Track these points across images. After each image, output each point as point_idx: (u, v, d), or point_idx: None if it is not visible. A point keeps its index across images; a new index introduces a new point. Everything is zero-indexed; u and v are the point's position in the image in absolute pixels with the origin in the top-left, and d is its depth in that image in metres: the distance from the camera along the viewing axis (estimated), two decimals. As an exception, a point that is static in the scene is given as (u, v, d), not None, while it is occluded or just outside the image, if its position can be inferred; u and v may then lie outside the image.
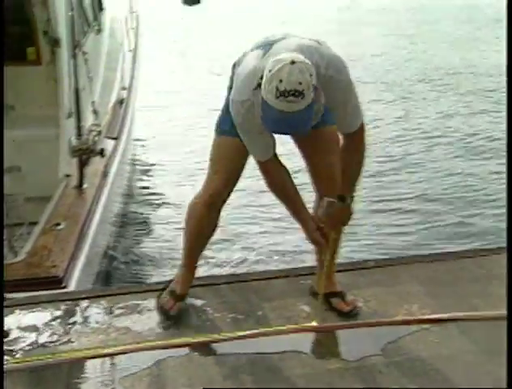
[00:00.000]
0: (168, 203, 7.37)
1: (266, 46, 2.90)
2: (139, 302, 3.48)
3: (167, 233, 6.52)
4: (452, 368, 2.95)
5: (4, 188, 4.69)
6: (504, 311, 3.28)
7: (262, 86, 2.64)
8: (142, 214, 7.24)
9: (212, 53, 15.78)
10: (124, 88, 7.73)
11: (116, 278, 5.52)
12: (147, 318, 3.34)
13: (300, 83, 2.56)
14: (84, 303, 3.49)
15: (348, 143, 3.01)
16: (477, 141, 9.57)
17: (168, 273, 5.56)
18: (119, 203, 6.53)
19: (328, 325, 3.25)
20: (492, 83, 13.15)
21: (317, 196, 3.29)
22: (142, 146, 9.48)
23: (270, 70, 2.60)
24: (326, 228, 3.12)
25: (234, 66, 3.14)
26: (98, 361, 3.00)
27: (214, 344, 3.12)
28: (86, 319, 3.35)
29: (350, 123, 2.95)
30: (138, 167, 8.58)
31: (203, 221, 3.31)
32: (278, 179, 3.03)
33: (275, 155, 3.00)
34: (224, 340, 3.14)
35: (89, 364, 2.98)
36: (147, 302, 3.48)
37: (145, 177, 8.36)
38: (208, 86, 12.46)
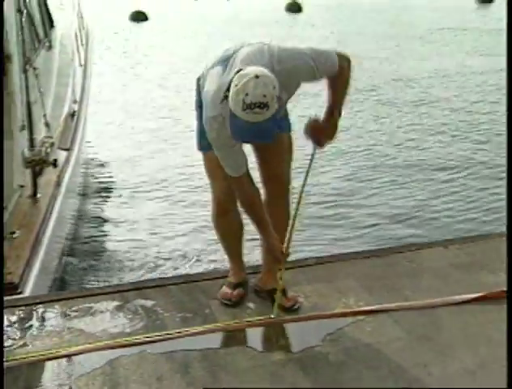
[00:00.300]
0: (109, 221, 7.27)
1: (224, 62, 2.98)
2: (92, 305, 3.45)
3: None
4: (386, 353, 3.00)
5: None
6: (431, 300, 3.39)
7: (230, 98, 2.73)
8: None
9: (161, 67, 15.67)
10: (75, 101, 7.64)
11: (70, 282, 5.47)
12: (99, 320, 3.31)
13: (265, 96, 2.65)
14: (39, 308, 3.44)
15: (336, 76, 3.09)
16: (408, 151, 9.63)
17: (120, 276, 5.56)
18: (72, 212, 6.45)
19: (271, 320, 3.26)
20: (424, 93, 13.37)
21: (266, 197, 3.33)
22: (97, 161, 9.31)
23: (236, 85, 2.69)
24: (314, 143, 3.24)
25: (199, 79, 3.20)
26: (53, 362, 2.95)
27: (164, 342, 3.10)
28: (41, 323, 3.30)
29: (329, 70, 3.04)
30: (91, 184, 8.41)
31: (224, 227, 3.46)
32: (248, 195, 3.12)
33: (248, 173, 3.08)
34: (174, 338, 3.13)
35: (44, 366, 2.94)
36: (100, 305, 3.45)
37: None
38: (160, 100, 12.31)
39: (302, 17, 24.13)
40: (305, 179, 3.32)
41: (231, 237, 3.52)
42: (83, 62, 8.97)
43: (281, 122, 3.19)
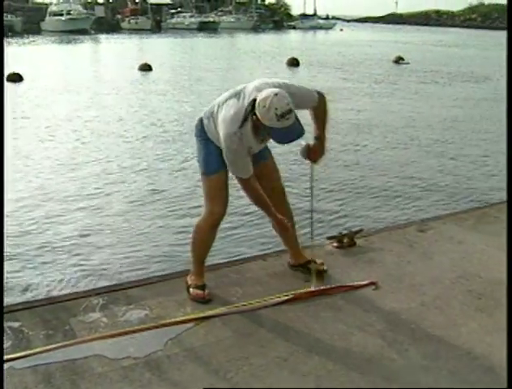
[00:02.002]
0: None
1: (236, 95, 3.14)
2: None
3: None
4: (217, 350, 2.98)
5: None
6: (253, 304, 3.40)
7: (261, 117, 2.94)
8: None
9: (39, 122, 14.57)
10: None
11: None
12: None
13: (288, 104, 2.93)
14: None
15: (317, 107, 3.34)
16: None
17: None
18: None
19: (122, 330, 3.11)
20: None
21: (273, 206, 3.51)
22: None
23: (264, 106, 2.91)
24: (310, 161, 3.52)
25: (201, 120, 3.32)
26: None
27: (29, 357, 2.88)
28: None
29: (311, 102, 3.29)
30: None
31: (209, 237, 3.49)
32: (256, 190, 3.28)
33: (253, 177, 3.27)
34: (38, 353, 2.92)
35: None
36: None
37: None
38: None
39: (153, 75, 24.20)
40: (311, 184, 3.71)
41: (207, 246, 3.54)
42: None
43: (264, 152, 3.46)
